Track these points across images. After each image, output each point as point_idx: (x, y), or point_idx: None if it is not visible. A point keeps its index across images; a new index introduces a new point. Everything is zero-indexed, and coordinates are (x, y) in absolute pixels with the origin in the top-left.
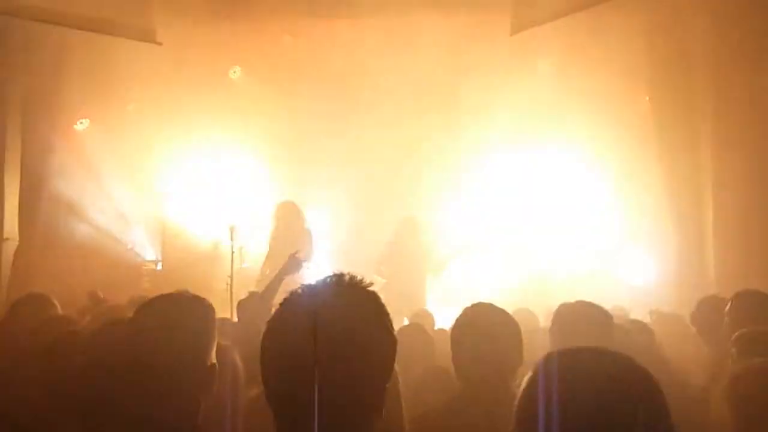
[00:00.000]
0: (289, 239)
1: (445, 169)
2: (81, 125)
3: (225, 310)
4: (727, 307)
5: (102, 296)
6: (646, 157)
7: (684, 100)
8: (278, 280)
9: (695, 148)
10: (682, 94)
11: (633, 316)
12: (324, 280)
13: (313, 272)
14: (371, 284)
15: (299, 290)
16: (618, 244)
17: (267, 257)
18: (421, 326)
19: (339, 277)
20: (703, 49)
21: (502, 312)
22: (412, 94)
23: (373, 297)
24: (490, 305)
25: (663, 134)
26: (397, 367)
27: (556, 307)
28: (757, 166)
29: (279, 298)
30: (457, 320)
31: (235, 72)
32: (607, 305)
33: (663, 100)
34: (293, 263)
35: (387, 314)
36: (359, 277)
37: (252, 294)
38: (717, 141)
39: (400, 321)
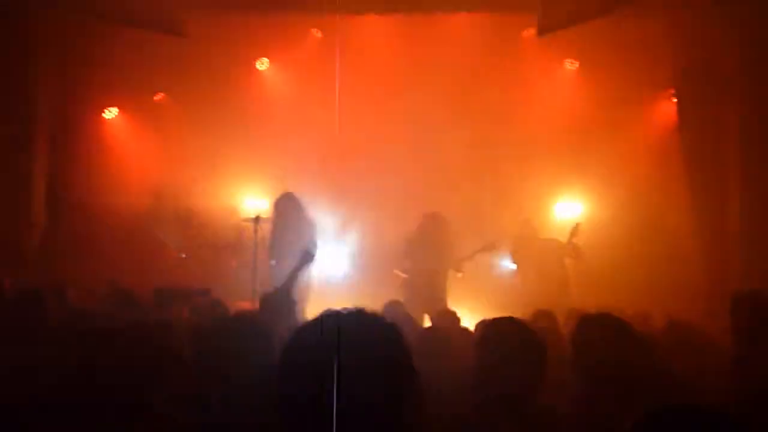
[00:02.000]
0: (290, 231)
1: (469, 165)
2: (109, 114)
3: (247, 301)
4: None
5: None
6: (670, 159)
7: (709, 101)
8: (294, 275)
9: (721, 149)
10: (707, 94)
11: (652, 319)
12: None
13: (321, 264)
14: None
15: (319, 318)
16: (637, 245)
17: (270, 250)
18: (441, 330)
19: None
20: (727, 51)
21: (528, 331)
22: (439, 91)
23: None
24: (516, 322)
25: (687, 134)
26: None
27: (577, 315)
28: None
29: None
30: (481, 337)
31: (262, 63)
32: (627, 310)
33: (688, 99)
34: (306, 258)
35: (400, 343)
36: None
37: (276, 289)
38: (743, 141)
39: (421, 319)
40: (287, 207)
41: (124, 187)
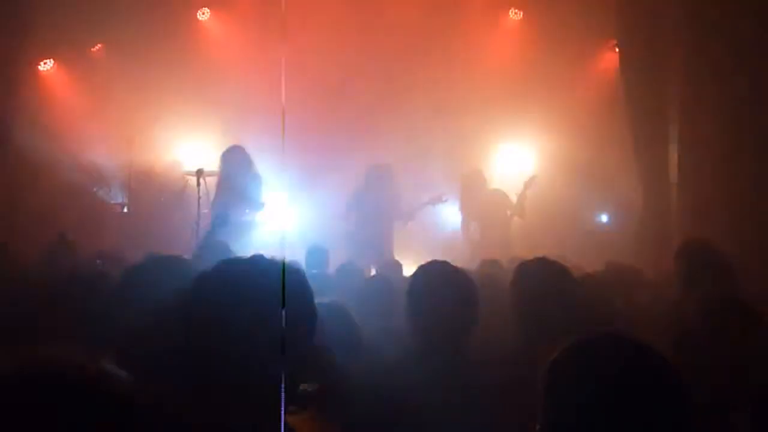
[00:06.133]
0: (236, 185)
1: (416, 116)
2: (45, 66)
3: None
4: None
5: (71, 239)
6: (613, 109)
7: (650, 51)
8: (212, 234)
9: (662, 99)
10: (648, 45)
11: (592, 266)
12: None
13: (265, 217)
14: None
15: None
16: (581, 194)
17: (213, 204)
18: (386, 278)
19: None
20: (669, 1)
21: (458, 271)
22: (384, 41)
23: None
24: (445, 264)
25: (629, 84)
26: (359, 319)
27: (517, 263)
28: (726, 118)
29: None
30: (412, 278)
31: (204, 14)
32: (572, 258)
33: (630, 49)
34: (219, 221)
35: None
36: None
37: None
38: (684, 91)
39: (367, 270)
40: (234, 160)
41: (62, 141)
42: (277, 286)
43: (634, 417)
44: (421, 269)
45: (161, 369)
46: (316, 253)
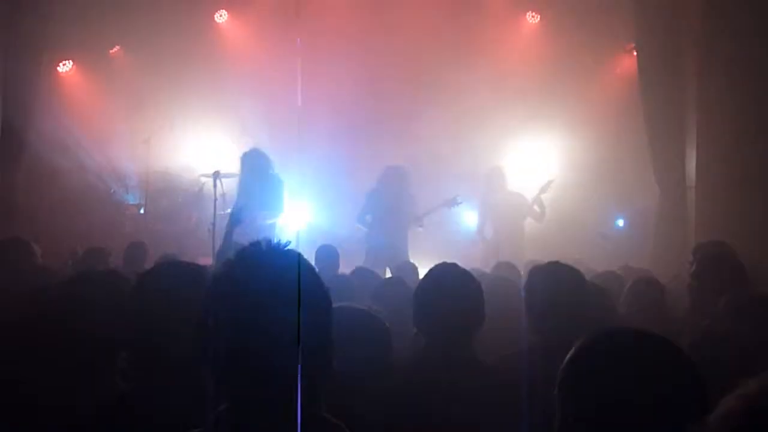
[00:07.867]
0: (256, 188)
1: (431, 117)
2: (64, 67)
3: (207, 257)
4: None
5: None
6: (631, 112)
7: (669, 55)
8: (229, 235)
9: (680, 103)
10: (666, 48)
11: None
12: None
13: (285, 220)
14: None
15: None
16: (598, 197)
17: (234, 207)
18: (401, 280)
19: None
20: (687, 3)
21: (464, 272)
22: (401, 42)
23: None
24: (453, 265)
25: (647, 87)
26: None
27: (530, 266)
28: (744, 121)
29: None
30: (421, 281)
31: (221, 16)
32: (589, 263)
33: (648, 53)
34: (234, 219)
35: (314, 270)
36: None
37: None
38: (702, 94)
39: (382, 271)
40: (254, 162)
41: (80, 142)
42: (289, 274)
43: (654, 411)
44: (430, 271)
45: (175, 368)
46: (326, 254)
